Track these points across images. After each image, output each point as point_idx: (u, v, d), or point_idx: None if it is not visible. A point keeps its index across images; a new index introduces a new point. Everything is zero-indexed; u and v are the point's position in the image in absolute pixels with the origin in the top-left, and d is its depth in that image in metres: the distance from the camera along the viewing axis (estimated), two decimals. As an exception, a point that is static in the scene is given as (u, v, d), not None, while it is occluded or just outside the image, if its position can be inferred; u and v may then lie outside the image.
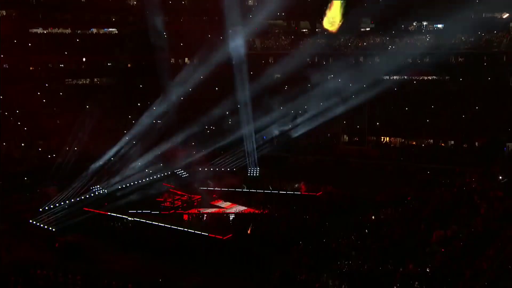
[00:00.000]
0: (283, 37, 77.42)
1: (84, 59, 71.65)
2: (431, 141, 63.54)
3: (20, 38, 66.36)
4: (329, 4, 71.14)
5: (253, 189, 47.20)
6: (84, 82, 73.05)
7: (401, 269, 26.06)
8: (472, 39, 68.42)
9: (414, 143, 64.41)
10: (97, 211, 42.36)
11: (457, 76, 67.74)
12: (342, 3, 71.06)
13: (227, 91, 63.68)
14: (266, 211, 41.21)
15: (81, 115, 59.39)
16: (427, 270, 25.78)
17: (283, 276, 28.38)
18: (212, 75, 63.63)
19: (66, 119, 60.59)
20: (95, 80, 73.48)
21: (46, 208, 43.12)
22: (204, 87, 65.09)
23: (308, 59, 71.12)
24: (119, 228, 39.05)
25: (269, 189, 46.87)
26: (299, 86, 66.86)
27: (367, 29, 76.82)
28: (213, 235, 35.49)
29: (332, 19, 71.64)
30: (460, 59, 70.00)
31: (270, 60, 74.91)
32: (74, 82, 72.28)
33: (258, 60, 72.89)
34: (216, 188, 47.72)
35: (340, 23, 70.57)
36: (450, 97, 65.05)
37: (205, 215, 40.98)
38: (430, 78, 70.44)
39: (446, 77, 69.17)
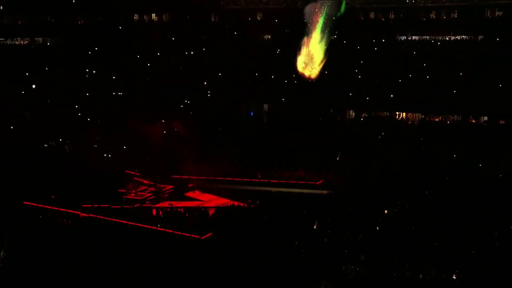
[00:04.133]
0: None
1: (21, 14, 70.94)
2: (459, 117, 63.83)
3: None
4: (306, 35, 62.67)
5: (238, 178, 47.51)
6: (22, 42, 72.46)
7: (420, 276, 26.53)
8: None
9: (437, 119, 64.78)
10: (42, 205, 42.40)
11: (493, 35, 67.77)
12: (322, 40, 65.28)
13: (205, 56, 63.67)
14: (254, 205, 41.59)
15: (19, 85, 59.10)
16: (453, 277, 26.25)
17: (276, 284, 28.82)
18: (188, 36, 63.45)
19: None
20: (36, 40, 72.90)
21: None
22: (177, 50, 64.92)
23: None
24: (70, 227, 39.21)
25: (258, 178, 47.17)
26: (294, 50, 66.74)
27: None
28: (189, 234, 35.83)
29: (312, 59, 66.17)
30: (498, 12, 69.82)
31: (258, 17, 74.73)
32: (9, 42, 71.69)
33: (243, 17, 72.58)
34: (192, 177, 48.00)
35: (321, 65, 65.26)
36: (483, 61, 65.07)
37: (179, 210, 41.26)
38: (459, 38, 70.50)
39: (479, 37, 69.27)
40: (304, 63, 61.32)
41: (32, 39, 72.75)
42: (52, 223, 40.01)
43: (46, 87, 60.27)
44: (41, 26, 72.06)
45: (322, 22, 60.32)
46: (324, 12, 59.42)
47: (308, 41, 60.92)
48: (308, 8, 60.04)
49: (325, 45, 60.44)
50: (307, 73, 61.92)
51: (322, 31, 60.17)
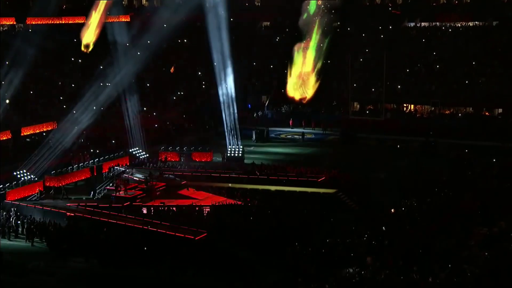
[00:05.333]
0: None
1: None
2: (471, 109, 63.85)
3: None
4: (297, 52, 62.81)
5: (235, 175, 47.43)
6: (3, 29, 72.48)
7: (429, 279, 26.51)
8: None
9: (448, 112, 64.79)
10: (24, 204, 42.39)
11: (508, 21, 67.78)
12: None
13: (197, 46, 63.70)
14: (253, 203, 41.55)
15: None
16: (465, 280, 26.21)
17: (274, 287, 28.83)
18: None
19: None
20: (18, 26, 72.90)
21: None
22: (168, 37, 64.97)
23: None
24: (54, 227, 39.13)
25: (256, 175, 47.13)
26: (293, 36, 66.78)
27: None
28: (182, 235, 35.80)
29: (304, 82, 64.73)
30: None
31: (256, 3, 74.79)
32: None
33: (241, 3, 72.65)
34: (186, 173, 47.96)
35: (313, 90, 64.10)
36: (498, 49, 65.18)
37: (172, 209, 41.23)
38: (471, 24, 70.59)
39: (494, 22, 69.28)
40: (297, 84, 61.27)
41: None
42: (35, 222, 39.83)
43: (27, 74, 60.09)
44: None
45: (315, 40, 60.29)
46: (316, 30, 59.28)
47: (302, 62, 60.82)
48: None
49: (320, 66, 60.44)
50: (298, 96, 61.97)
51: (316, 50, 60.15)
